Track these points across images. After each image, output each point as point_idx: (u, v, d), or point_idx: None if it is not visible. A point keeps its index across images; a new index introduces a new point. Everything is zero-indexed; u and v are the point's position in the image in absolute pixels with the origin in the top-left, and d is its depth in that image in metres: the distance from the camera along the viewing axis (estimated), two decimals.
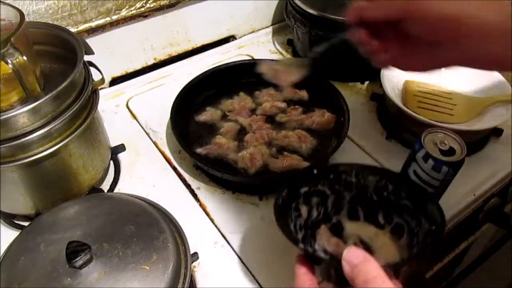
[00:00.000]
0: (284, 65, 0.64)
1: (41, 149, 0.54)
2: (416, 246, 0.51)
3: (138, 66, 0.93)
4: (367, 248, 0.55)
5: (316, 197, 0.56)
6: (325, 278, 0.46)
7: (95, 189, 0.67)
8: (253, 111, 0.80)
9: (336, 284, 0.44)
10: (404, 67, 0.50)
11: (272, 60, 0.75)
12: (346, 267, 0.38)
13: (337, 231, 0.57)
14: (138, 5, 0.84)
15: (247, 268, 0.60)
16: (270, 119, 0.78)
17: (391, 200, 0.55)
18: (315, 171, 0.55)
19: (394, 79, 0.81)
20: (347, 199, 0.57)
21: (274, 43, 1.03)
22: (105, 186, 0.70)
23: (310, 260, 0.44)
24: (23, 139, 0.52)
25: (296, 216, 0.54)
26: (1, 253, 0.49)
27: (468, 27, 0.40)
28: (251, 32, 1.06)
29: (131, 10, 0.83)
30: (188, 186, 0.71)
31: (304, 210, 0.55)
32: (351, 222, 0.57)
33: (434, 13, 0.41)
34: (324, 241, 0.55)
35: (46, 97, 0.52)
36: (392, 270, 0.41)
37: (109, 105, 0.85)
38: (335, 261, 0.44)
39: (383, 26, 0.47)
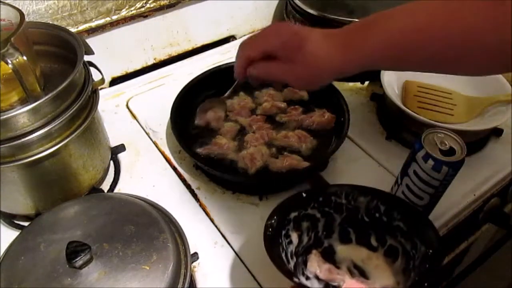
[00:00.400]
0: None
1: (41, 149, 0.54)
2: (413, 271, 0.50)
3: (138, 66, 0.93)
4: (362, 272, 0.54)
5: (306, 222, 0.55)
6: None
7: (95, 189, 0.67)
8: (253, 111, 0.80)
9: None
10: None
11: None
12: None
13: (329, 255, 0.56)
14: (138, 5, 0.84)
15: (247, 268, 0.60)
16: (270, 119, 0.78)
17: (383, 221, 0.54)
18: (303, 195, 0.54)
19: (394, 79, 0.81)
20: (338, 222, 0.56)
21: None
22: (105, 186, 0.70)
23: None
24: (23, 139, 0.52)
25: (287, 243, 0.53)
26: (1, 253, 0.49)
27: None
28: (251, 32, 1.06)
29: (131, 10, 0.83)
30: (188, 186, 0.71)
31: (294, 236, 0.54)
32: (343, 245, 0.57)
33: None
34: (316, 267, 0.54)
35: (46, 97, 0.52)
36: None
37: (109, 105, 0.85)
38: None
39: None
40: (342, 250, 0.56)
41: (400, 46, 0.47)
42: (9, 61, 0.49)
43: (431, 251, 0.48)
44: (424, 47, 0.46)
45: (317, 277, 0.53)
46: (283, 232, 0.52)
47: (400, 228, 0.53)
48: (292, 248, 0.54)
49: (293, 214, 0.54)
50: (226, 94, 0.68)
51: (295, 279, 0.45)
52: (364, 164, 0.74)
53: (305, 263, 0.55)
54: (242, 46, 0.59)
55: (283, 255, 0.51)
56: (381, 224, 0.55)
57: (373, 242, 0.56)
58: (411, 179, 0.57)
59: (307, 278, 0.53)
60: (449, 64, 0.47)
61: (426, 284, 0.45)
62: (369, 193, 0.55)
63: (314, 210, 0.55)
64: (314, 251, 0.56)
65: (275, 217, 0.51)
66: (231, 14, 1.00)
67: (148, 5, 0.85)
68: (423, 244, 0.50)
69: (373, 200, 0.54)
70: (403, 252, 0.53)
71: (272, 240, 0.50)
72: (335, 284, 0.53)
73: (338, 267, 0.55)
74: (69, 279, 0.44)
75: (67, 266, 0.44)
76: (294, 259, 0.53)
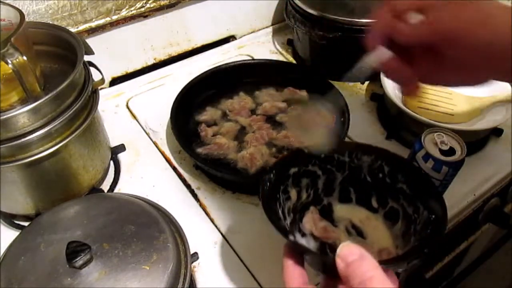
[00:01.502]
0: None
1: (41, 149, 0.54)
2: (414, 235, 0.47)
3: (138, 66, 0.93)
4: (359, 232, 0.52)
5: (306, 178, 0.52)
6: (314, 268, 0.43)
7: (95, 189, 0.67)
8: (253, 111, 0.80)
9: (327, 275, 0.41)
10: (437, 83, 0.48)
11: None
12: (340, 265, 0.36)
13: (328, 213, 0.53)
14: (138, 5, 0.84)
15: (247, 268, 0.60)
16: (270, 119, 0.78)
17: (386, 182, 0.51)
18: (305, 150, 0.51)
19: None
20: (339, 180, 0.53)
21: (274, 43, 1.03)
22: (105, 186, 0.70)
23: (299, 251, 0.42)
24: (23, 139, 0.52)
25: (285, 199, 0.50)
26: (1, 253, 0.49)
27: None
28: (251, 32, 1.06)
29: (131, 10, 0.83)
30: (188, 186, 0.71)
31: (293, 193, 0.51)
32: (342, 204, 0.54)
33: (484, 40, 0.39)
34: (312, 225, 0.52)
35: (46, 97, 0.52)
36: (391, 268, 0.39)
37: (109, 105, 0.85)
38: (327, 256, 0.42)
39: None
40: (341, 209, 0.54)
41: None
42: (9, 61, 0.49)
43: (433, 216, 0.45)
44: None
45: (313, 235, 0.51)
46: (282, 188, 0.50)
47: (403, 190, 0.50)
48: (289, 204, 0.51)
49: (292, 170, 0.51)
50: (352, 70, 0.50)
51: (290, 237, 0.42)
52: None
53: (301, 220, 0.52)
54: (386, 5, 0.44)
55: (280, 211, 0.48)
56: (384, 185, 0.52)
57: (374, 203, 0.53)
58: None
59: (303, 235, 0.51)
60: None
61: (425, 250, 0.43)
62: (374, 152, 0.51)
63: (315, 167, 0.52)
64: (311, 208, 0.53)
65: (273, 172, 0.48)
66: (231, 14, 1.00)
67: (148, 5, 0.85)
68: (426, 209, 0.47)
69: (377, 160, 0.51)
70: (404, 216, 0.50)
71: (269, 196, 0.47)
72: (330, 242, 0.51)
73: (335, 226, 0.52)
74: (69, 279, 0.44)
75: (67, 266, 0.44)
76: (291, 215, 0.51)
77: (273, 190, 0.48)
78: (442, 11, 0.40)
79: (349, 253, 0.36)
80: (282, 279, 0.40)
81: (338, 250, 0.37)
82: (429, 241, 0.44)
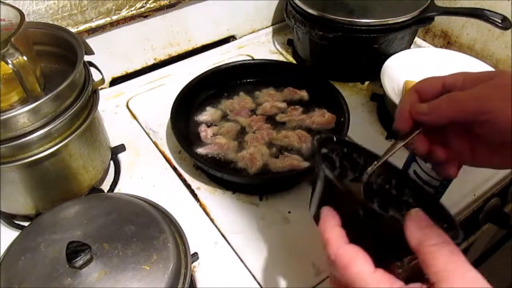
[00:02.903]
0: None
1: (41, 149, 0.54)
2: None
3: (138, 66, 0.93)
4: None
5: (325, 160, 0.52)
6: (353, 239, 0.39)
7: (95, 189, 0.67)
8: (253, 111, 0.80)
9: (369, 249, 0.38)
10: (478, 165, 0.45)
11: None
12: (412, 227, 0.34)
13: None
14: (138, 5, 0.84)
15: (247, 268, 0.60)
16: (270, 119, 0.78)
17: (392, 193, 0.51)
18: (335, 138, 0.51)
19: (394, 79, 0.81)
20: (349, 179, 0.53)
21: (274, 43, 1.03)
22: (105, 186, 0.70)
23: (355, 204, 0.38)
24: (23, 139, 0.52)
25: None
26: (1, 253, 0.49)
27: None
28: (251, 32, 1.06)
29: (131, 10, 0.83)
30: (188, 186, 0.71)
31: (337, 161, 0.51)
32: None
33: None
34: None
35: (46, 97, 0.52)
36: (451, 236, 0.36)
37: (109, 105, 0.85)
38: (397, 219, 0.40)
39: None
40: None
41: None
42: (9, 61, 0.49)
43: (446, 225, 0.43)
44: None
45: None
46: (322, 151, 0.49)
47: (409, 203, 0.50)
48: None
49: (323, 150, 0.51)
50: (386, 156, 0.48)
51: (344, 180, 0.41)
52: None
53: None
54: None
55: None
56: (389, 195, 0.52)
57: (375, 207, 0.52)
58: None
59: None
60: None
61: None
62: (384, 165, 0.50)
63: (337, 157, 0.52)
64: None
65: (316, 140, 0.48)
66: (231, 14, 1.00)
67: (148, 5, 0.85)
68: (435, 220, 0.44)
69: (387, 174, 0.51)
70: None
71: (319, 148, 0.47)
72: None
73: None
74: (69, 279, 0.44)
75: (67, 266, 0.44)
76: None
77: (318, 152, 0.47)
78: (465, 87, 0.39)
79: (421, 218, 0.35)
80: (324, 238, 0.37)
81: (412, 213, 0.35)
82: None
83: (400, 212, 0.51)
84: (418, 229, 0.34)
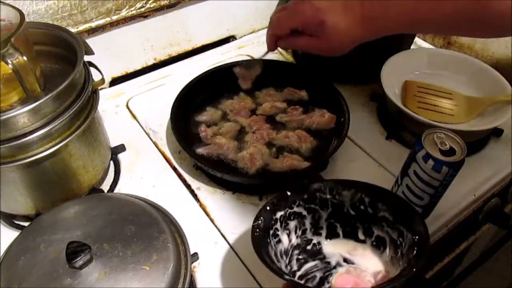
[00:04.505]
0: (243, 68, 0.81)
1: (41, 149, 0.54)
2: (402, 258, 0.50)
3: (138, 66, 0.93)
4: (351, 263, 0.54)
5: (293, 220, 0.55)
6: None
7: (95, 189, 0.67)
8: (253, 111, 0.80)
9: None
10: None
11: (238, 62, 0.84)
12: None
13: (317, 252, 0.56)
14: (138, 5, 0.84)
15: (247, 268, 0.60)
16: (270, 119, 0.78)
17: (369, 213, 0.55)
18: (288, 193, 0.55)
19: (394, 79, 0.81)
20: (324, 218, 0.57)
21: None
22: (105, 186, 0.70)
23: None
24: (23, 139, 0.52)
25: (276, 242, 0.53)
26: (1, 253, 0.49)
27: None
28: (251, 32, 1.06)
29: (131, 10, 0.83)
30: (188, 186, 0.71)
31: (285, 238, 0.54)
32: (331, 240, 0.57)
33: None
34: None
35: (46, 97, 0.52)
36: None
37: (109, 105, 0.85)
38: None
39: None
40: (329, 245, 0.57)
41: (414, 18, 0.55)
42: (9, 61, 0.49)
43: (417, 237, 0.48)
44: (436, 19, 0.53)
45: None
46: (271, 232, 0.53)
47: (385, 218, 0.53)
48: (281, 247, 0.54)
49: (279, 214, 0.54)
50: (261, 56, 0.79)
51: (286, 277, 0.46)
52: (364, 164, 0.74)
53: (297, 260, 0.55)
54: (270, 24, 0.66)
55: (273, 254, 0.51)
56: (367, 216, 0.55)
57: (360, 235, 0.56)
58: (411, 179, 0.57)
59: (302, 277, 0.53)
60: (461, 30, 0.58)
61: (414, 270, 0.45)
62: (353, 186, 0.55)
63: (300, 207, 0.55)
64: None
65: (261, 218, 0.52)
66: (231, 14, 1.00)
67: (148, 5, 0.85)
68: (410, 232, 0.50)
69: (357, 193, 0.55)
70: (390, 242, 0.53)
71: (261, 241, 0.50)
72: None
73: (327, 262, 0.55)
74: (69, 279, 0.44)
75: (67, 266, 0.44)
76: (285, 258, 0.54)
77: (264, 235, 0.51)
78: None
79: (344, 282, 0.39)
80: None
81: (333, 282, 0.39)
82: (416, 261, 0.47)
83: (383, 230, 0.54)
84: None
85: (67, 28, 0.65)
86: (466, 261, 1.06)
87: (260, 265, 0.60)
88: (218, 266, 0.60)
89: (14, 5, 0.55)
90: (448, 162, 0.54)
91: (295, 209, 0.55)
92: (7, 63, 0.49)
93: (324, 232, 0.57)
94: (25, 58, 0.50)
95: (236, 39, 1.04)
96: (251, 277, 0.59)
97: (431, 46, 1.03)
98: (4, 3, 0.56)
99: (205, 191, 0.70)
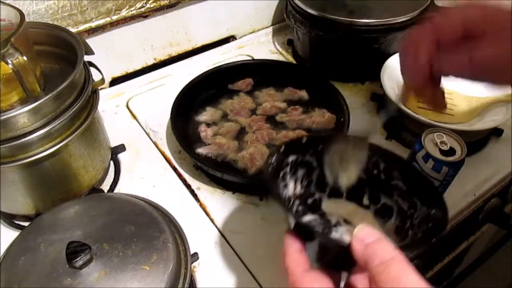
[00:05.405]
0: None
1: (41, 149, 0.54)
2: (411, 229, 0.47)
3: (138, 66, 0.93)
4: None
5: (302, 168, 0.52)
6: (314, 260, 0.41)
7: (95, 189, 0.67)
8: (253, 111, 0.80)
9: (328, 267, 0.40)
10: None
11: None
12: (357, 246, 0.34)
13: (316, 208, 0.53)
14: (138, 5, 0.84)
15: (247, 268, 0.60)
16: (270, 119, 0.78)
17: (381, 179, 0.51)
18: (303, 140, 0.51)
19: (394, 79, 0.81)
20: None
21: (274, 43, 1.03)
22: (105, 186, 0.70)
23: (303, 235, 0.40)
24: (23, 139, 0.52)
25: (283, 186, 0.50)
26: (1, 253, 0.49)
27: None
28: (251, 32, 1.06)
29: (131, 10, 0.83)
30: (188, 186, 0.71)
31: (291, 184, 0.51)
32: (333, 199, 0.53)
33: None
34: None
35: (46, 97, 0.52)
36: (407, 253, 0.36)
37: (109, 105, 0.85)
38: (341, 240, 0.40)
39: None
40: (329, 204, 0.53)
41: None
42: (9, 61, 0.49)
43: (433, 211, 0.45)
44: None
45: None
46: (280, 174, 0.49)
47: (398, 187, 0.50)
48: (286, 193, 0.50)
49: (291, 158, 0.50)
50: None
51: (300, 219, 0.42)
52: None
53: (297, 211, 0.52)
54: (412, 39, 0.43)
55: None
56: (378, 182, 0.51)
57: (365, 200, 0.53)
58: None
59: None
60: None
61: (433, 240, 0.41)
62: (371, 148, 0.50)
63: (313, 157, 0.52)
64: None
65: (275, 156, 0.48)
66: (231, 14, 1.00)
67: (148, 5, 0.85)
68: (425, 205, 0.47)
69: (373, 156, 0.51)
70: (398, 211, 0.50)
71: (274, 178, 0.47)
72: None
73: (328, 220, 0.52)
74: (69, 279, 0.44)
75: (67, 266, 0.44)
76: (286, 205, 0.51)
77: (274, 176, 0.48)
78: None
79: (367, 234, 0.34)
80: (284, 265, 0.38)
81: (356, 231, 0.35)
82: (435, 233, 0.43)
83: (392, 199, 0.51)
84: (363, 249, 0.34)
85: (67, 28, 0.65)
86: (466, 261, 1.07)
87: (260, 265, 0.60)
88: (218, 266, 0.60)
89: (14, 5, 0.56)
90: (448, 162, 0.54)
91: (307, 157, 0.51)
92: (7, 63, 0.49)
93: (328, 189, 0.53)
94: (25, 58, 0.50)
95: (236, 39, 1.04)
96: (251, 277, 0.59)
97: None
98: (4, 3, 0.56)
99: (205, 191, 0.70)
